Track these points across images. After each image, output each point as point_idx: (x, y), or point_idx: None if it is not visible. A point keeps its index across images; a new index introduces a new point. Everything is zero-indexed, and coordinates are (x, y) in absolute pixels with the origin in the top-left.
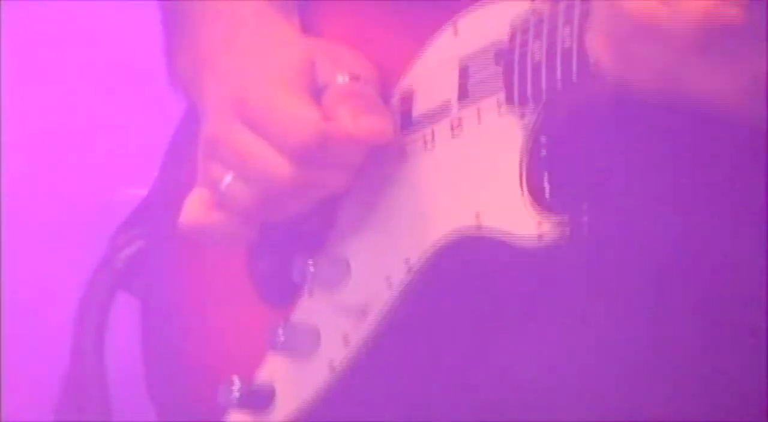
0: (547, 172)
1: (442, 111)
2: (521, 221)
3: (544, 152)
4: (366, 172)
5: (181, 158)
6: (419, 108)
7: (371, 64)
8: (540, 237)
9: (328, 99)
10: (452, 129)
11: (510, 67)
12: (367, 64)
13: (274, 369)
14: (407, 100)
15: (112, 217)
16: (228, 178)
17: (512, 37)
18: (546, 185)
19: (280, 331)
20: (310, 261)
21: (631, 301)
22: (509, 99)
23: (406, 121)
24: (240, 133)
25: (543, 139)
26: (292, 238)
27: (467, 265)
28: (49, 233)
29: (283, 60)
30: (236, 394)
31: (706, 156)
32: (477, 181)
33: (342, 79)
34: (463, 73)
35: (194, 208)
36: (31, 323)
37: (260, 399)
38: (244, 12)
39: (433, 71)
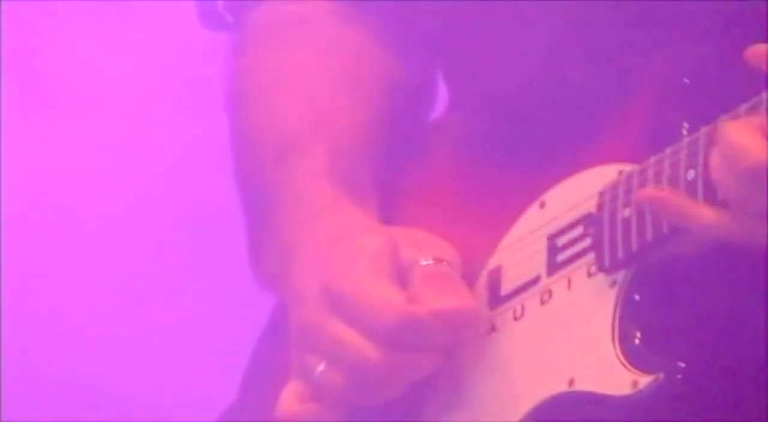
0: (640, 330)
1: (531, 285)
2: (616, 381)
3: (635, 311)
4: (453, 350)
5: (263, 370)
6: (507, 285)
7: (453, 248)
8: (635, 395)
9: (413, 281)
10: (541, 299)
11: (599, 232)
12: (448, 248)
13: None
14: (495, 278)
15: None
16: (321, 367)
17: (600, 204)
18: (639, 343)
19: None
20: None
21: None
22: (600, 265)
23: (494, 299)
24: (328, 321)
25: (636, 297)
26: None
27: None
28: (51, 230)
29: (365, 246)
30: None
31: None
32: (569, 346)
33: (425, 261)
34: (552, 246)
35: (288, 401)
36: (31, 323)
37: None
38: (323, 204)
39: (520, 248)
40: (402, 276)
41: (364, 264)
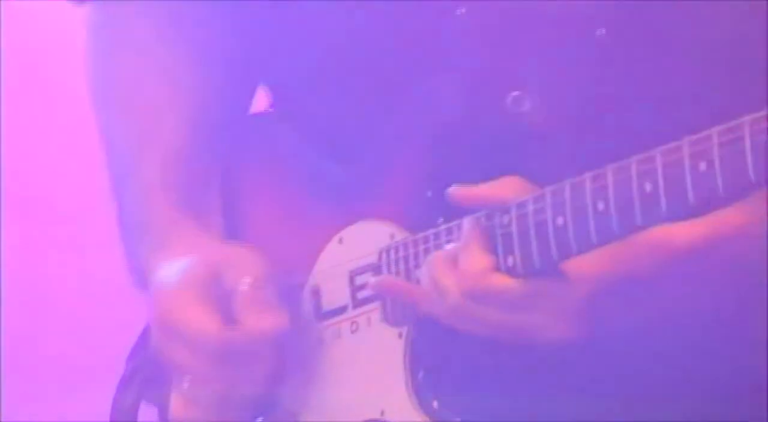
0: (433, 390)
1: (341, 312)
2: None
3: (421, 362)
4: (293, 356)
5: None
6: (326, 305)
7: (270, 265)
8: None
9: (235, 304)
10: (351, 327)
11: None
12: (266, 266)
13: None
14: (316, 295)
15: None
16: (185, 384)
17: (380, 262)
18: (433, 399)
19: None
20: None
21: None
22: (384, 316)
23: (318, 314)
24: (167, 347)
25: (419, 350)
26: None
27: None
28: (49, 229)
29: (190, 273)
30: None
31: None
32: (379, 380)
33: (244, 286)
34: (352, 282)
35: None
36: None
37: None
38: (162, 232)
39: (329, 274)
40: (227, 298)
41: (189, 287)
